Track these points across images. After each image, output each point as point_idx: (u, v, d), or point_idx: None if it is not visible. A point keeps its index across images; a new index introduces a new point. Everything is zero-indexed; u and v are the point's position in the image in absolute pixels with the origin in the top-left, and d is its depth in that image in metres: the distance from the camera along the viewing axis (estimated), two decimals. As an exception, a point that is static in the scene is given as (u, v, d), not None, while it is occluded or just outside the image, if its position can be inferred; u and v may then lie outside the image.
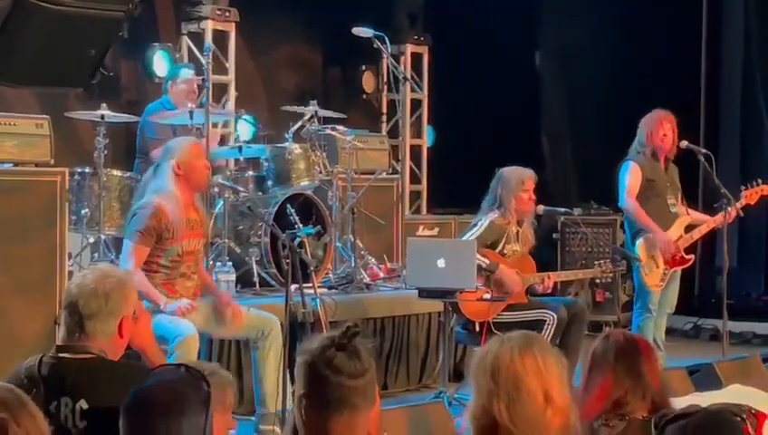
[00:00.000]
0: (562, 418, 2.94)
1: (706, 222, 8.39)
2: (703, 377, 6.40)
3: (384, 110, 11.69)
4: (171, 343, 5.96)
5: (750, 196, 8.40)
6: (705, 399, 4.55)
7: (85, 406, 3.38)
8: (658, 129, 8.19)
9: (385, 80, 11.45)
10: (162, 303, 6.13)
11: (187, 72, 8.61)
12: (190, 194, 6.40)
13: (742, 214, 8.44)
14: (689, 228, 8.34)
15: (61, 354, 3.51)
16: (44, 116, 7.30)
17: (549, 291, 7.70)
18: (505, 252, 7.59)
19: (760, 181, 8.44)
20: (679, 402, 3.73)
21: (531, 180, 7.64)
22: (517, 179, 7.59)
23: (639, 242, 8.17)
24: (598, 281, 10.11)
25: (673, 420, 2.78)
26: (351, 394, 2.80)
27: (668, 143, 8.22)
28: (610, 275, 8.18)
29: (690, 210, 8.47)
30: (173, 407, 2.75)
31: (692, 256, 8.38)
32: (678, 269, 8.38)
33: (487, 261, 7.37)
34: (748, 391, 5.50)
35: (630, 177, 8.16)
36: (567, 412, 2.95)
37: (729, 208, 8.29)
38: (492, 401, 2.95)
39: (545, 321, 7.35)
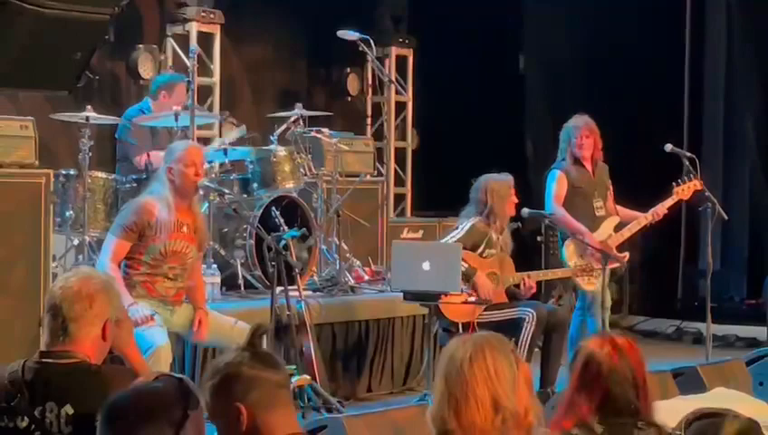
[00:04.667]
0: (518, 423, 2.93)
1: (637, 219, 8.43)
2: (687, 380, 6.39)
3: (369, 112, 11.69)
4: (144, 353, 5.93)
5: (682, 192, 8.41)
6: (690, 403, 4.56)
7: (71, 411, 3.36)
8: (576, 139, 8.30)
9: (370, 82, 11.47)
10: (126, 304, 6.08)
11: (182, 82, 8.44)
12: (182, 197, 6.43)
13: (665, 213, 8.47)
14: (620, 227, 8.40)
15: (44, 359, 3.48)
16: (29, 118, 7.28)
17: (531, 292, 7.75)
18: (485, 256, 7.64)
19: (692, 176, 8.43)
20: (663, 406, 3.73)
21: (512, 186, 7.82)
22: (507, 187, 7.73)
23: (567, 242, 8.25)
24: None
25: (701, 417, 2.76)
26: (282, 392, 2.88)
27: (588, 150, 8.31)
28: (590, 274, 8.22)
29: (620, 208, 8.52)
30: (136, 417, 2.72)
31: (626, 254, 8.38)
32: (612, 267, 8.40)
33: (466, 265, 7.40)
34: (732, 394, 5.53)
35: (556, 185, 8.28)
36: (524, 417, 2.94)
37: (716, 212, 8.34)
38: (443, 405, 2.95)
39: (525, 319, 7.42)
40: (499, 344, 3.00)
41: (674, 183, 8.43)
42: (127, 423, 2.67)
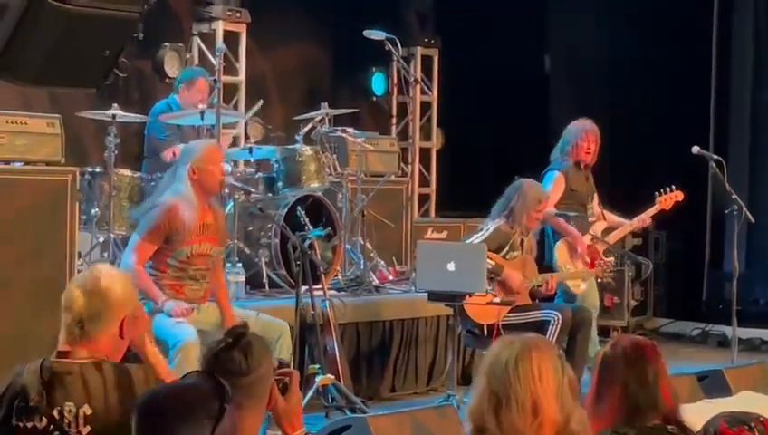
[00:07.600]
0: (557, 430, 2.90)
1: (623, 226, 8.54)
2: (712, 384, 6.38)
3: (394, 112, 11.70)
4: (171, 348, 5.93)
5: (664, 202, 8.50)
6: (715, 406, 4.54)
7: (89, 411, 3.33)
8: (583, 142, 8.35)
9: (395, 82, 11.46)
10: (160, 300, 6.12)
11: (202, 77, 8.55)
12: (205, 197, 6.40)
13: (649, 222, 8.59)
14: (607, 232, 8.41)
15: (62, 359, 3.44)
16: (56, 115, 7.31)
17: (552, 292, 7.73)
18: (508, 258, 7.61)
19: (674, 187, 8.49)
20: (689, 409, 3.71)
21: (546, 203, 7.74)
22: (535, 199, 7.62)
23: (559, 244, 8.22)
24: (604, 283, 10.09)
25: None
26: (235, 392, 2.84)
27: (591, 156, 8.38)
28: (611, 274, 8.23)
29: (607, 213, 8.55)
30: (176, 413, 2.71)
31: (611, 259, 8.37)
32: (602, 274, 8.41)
33: (492, 263, 7.39)
34: (759, 398, 5.50)
35: (554, 186, 8.23)
36: (562, 426, 2.91)
37: (743, 214, 8.33)
38: (483, 402, 2.92)
39: (550, 321, 7.39)
40: (547, 348, 2.97)
41: (656, 193, 8.49)
42: (165, 420, 2.66)
